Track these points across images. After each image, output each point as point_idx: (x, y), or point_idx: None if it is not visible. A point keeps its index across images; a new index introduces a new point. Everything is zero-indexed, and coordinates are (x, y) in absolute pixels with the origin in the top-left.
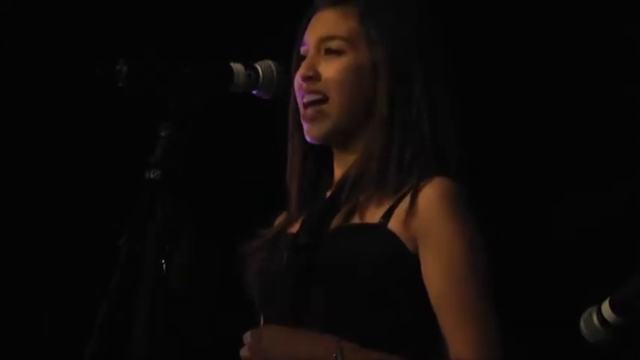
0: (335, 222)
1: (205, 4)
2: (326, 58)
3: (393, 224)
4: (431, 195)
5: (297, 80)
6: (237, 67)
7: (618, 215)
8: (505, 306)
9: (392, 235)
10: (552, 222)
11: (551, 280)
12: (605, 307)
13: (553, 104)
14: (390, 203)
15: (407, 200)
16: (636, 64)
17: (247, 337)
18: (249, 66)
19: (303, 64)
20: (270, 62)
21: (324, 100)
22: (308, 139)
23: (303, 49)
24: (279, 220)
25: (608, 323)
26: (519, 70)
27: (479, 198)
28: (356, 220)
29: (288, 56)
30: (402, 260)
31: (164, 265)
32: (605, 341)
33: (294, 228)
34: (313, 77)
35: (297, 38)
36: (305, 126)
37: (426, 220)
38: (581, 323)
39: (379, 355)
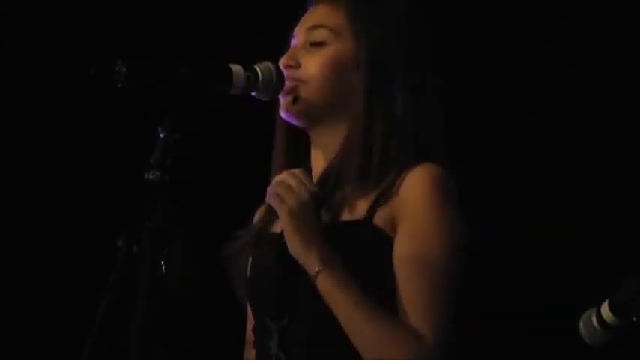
0: (321, 219)
1: (205, 4)
2: (310, 50)
3: (378, 218)
4: (412, 179)
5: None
6: (237, 68)
7: (618, 216)
8: (504, 307)
9: (377, 230)
10: (552, 222)
11: (550, 282)
12: (605, 309)
13: (554, 103)
14: (375, 196)
15: (391, 191)
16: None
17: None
18: (248, 67)
19: (286, 54)
20: (269, 64)
21: (302, 84)
22: (282, 115)
23: (292, 43)
24: (259, 213)
25: (607, 325)
26: (522, 67)
27: (478, 197)
28: (342, 216)
29: None
30: (389, 254)
31: (163, 266)
32: (604, 343)
33: (279, 224)
34: (294, 66)
35: (290, 37)
36: (281, 99)
37: (405, 202)
38: (580, 325)
39: (353, 290)
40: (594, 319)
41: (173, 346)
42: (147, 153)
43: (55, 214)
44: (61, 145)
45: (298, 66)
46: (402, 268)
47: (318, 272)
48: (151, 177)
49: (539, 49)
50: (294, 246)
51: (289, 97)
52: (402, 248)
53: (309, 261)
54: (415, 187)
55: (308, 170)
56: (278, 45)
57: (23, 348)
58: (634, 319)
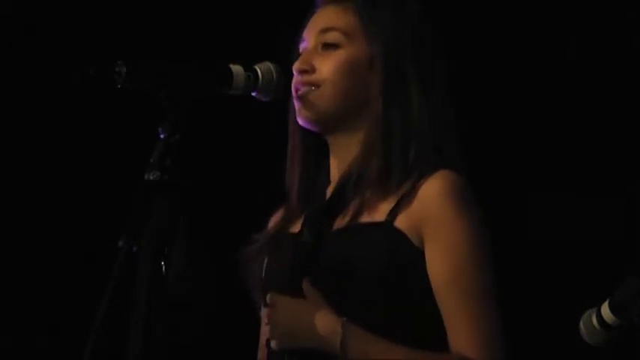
0: (340, 221)
1: (204, 5)
2: (322, 52)
3: (400, 221)
4: (435, 188)
5: (295, 75)
6: (237, 68)
7: (618, 216)
8: (504, 307)
9: (398, 233)
10: (552, 223)
11: (551, 282)
12: (605, 309)
13: (556, 107)
14: (395, 200)
15: (412, 196)
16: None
17: (267, 299)
18: (248, 68)
19: (300, 58)
20: (269, 64)
21: (316, 89)
22: (299, 121)
23: (302, 47)
24: (276, 218)
25: (607, 325)
26: (522, 70)
27: (481, 198)
28: (362, 218)
29: (287, 58)
30: (409, 257)
31: (163, 266)
32: (604, 343)
33: (296, 227)
34: (309, 71)
35: (297, 38)
36: (296, 106)
37: (431, 214)
38: (581, 325)
39: (383, 342)
40: (594, 319)
41: (173, 347)
42: (147, 153)
43: (56, 214)
44: (61, 145)
45: (313, 70)
46: (442, 290)
47: (343, 342)
48: (151, 177)
49: (540, 50)
50: (310, 338)
51: (303, 103)
52: (440, 268)
53: (328, 338)
54: (439, 198)
55: (326, 175)
56: (279, 45)
57: (24, 348)
58: (634, 319)
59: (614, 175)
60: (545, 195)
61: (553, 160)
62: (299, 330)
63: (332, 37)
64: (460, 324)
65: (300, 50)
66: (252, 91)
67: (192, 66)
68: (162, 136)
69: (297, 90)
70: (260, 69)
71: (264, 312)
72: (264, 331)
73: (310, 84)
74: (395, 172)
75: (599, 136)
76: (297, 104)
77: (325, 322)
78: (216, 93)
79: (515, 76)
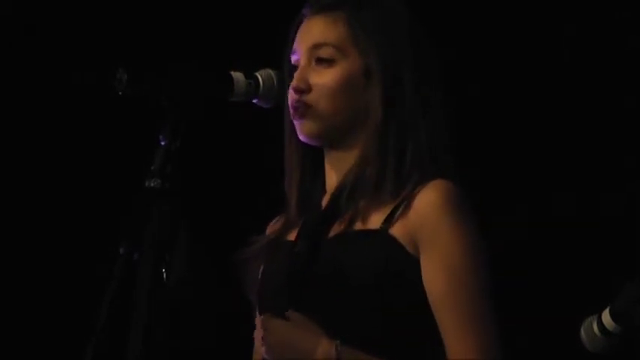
0: (335, 229)
1: (206, 11)
2: (317, 68)
3: (395, 229)
4: (431, 198)
5: (290, 92)
6: (238, 75)
7: (618, 219)
8: (504, 313)
9: (393, 241)
10: (551, 227)
11: (552, 288)
12: (606, 316)
13: (552, 108)
14: (391, 208)
15: (407, 204)
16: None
17: (259, 323)
18: (249, 75)
19: (296, 76)
20: (270, 71)
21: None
22: (301, 137)
23: (293, 59)
24: (274, 226)
25: (608, 332)
26: (518, 71)
27: (477, 201)
28: (357, 226)
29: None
30: (403, 265)
31: (164, 273)
32: (605, 350)
33: (293, 235)
34: (305, 90)
35: (287, 46)
36: (296, 124)
37: (427, 223)
38: (582, 332)
39: None
40: (595, 326)
41: (174, 351)
42: (148, 158)
43: (57, 221)
44: (62, 152)
45: (309, 89)
46: (438, 300)
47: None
48: (151, 184)
49: (539, 51)
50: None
51: (303, 120)
52: (436, 278)
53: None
54: (435, 208)
55: (321, 184)
56: (279, 46)
57: (24, 348)
58: (635, 325)
59: (614, 175)
60: (545, 195)
61: (552, 161)
62: (293, 354)
63: (325, 52)
64: (456, 335)
65: (293, 62)
66: (254, 98)
67: (193, 73)
68: (162, 143)
69: (295, 109)
70: (261, 76)
71: (258, 319)
72: (258, 335)
73: (307, 103)
74: (390, 179)
75: (599, 136)
76: (296, 123)
77: (320, 347)
78: (217, 98)
79: (511, 77)
